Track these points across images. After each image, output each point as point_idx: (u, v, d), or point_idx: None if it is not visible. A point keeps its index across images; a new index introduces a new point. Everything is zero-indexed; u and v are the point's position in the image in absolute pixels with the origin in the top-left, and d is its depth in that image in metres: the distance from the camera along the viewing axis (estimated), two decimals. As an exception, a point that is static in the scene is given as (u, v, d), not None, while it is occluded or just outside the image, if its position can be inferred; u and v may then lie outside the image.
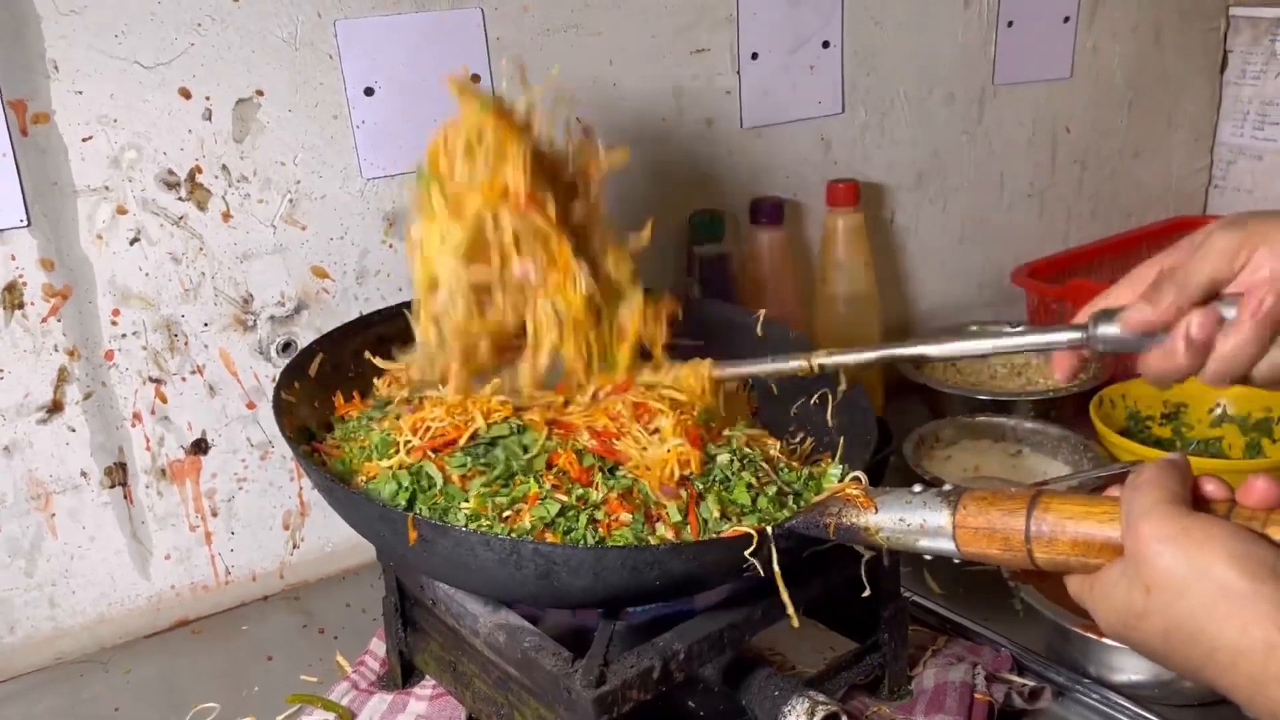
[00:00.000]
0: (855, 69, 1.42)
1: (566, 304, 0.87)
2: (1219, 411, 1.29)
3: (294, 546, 1.17)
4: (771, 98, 1.36)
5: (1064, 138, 1.66)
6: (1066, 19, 1.60)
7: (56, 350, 1.00)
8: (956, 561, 0.67)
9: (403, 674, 0.96)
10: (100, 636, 1.08)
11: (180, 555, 1.11)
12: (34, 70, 0.94)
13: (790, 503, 0.80)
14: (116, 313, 1.02)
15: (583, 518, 0.74)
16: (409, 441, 0.81)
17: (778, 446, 0.89)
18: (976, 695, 0.89)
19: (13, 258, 0.96)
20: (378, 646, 1.01)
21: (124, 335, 1.03)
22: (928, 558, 0.69)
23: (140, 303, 1.03)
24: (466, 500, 0.77)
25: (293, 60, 1.05)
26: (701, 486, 0.78)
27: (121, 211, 1.00)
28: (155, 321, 1.04)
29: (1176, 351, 0.66)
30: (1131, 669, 0.89)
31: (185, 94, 1.01)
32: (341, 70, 1.08)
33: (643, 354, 0.94)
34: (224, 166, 1.04)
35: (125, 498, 1.07)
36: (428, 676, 0.95)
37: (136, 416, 1.05)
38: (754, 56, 1.33)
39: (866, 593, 0.80)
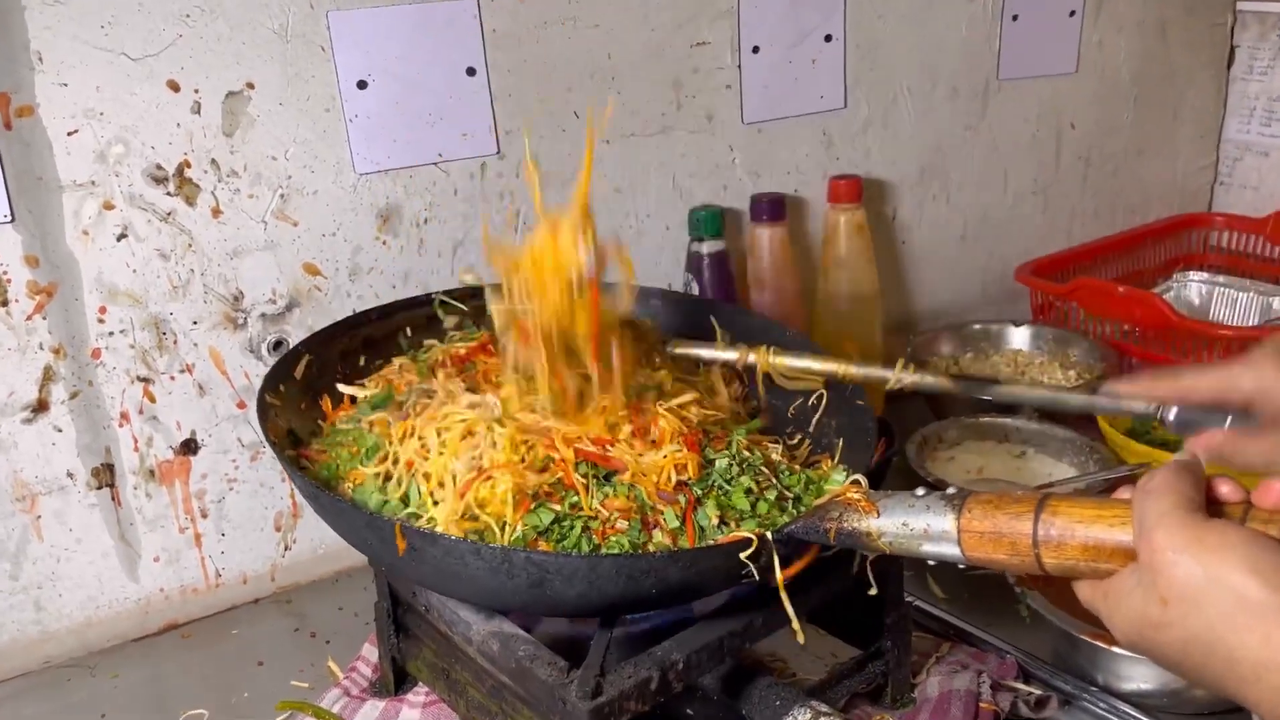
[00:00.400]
0: (858, 63, 1.39)
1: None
2: (1227, 412, 1.26)
3: (285, 548, 1.15)
4: (773, 92, 1.33)
5: (1068, 134, 1.64)
6: (1072, 13, 1.58)
7: (42, 349, 0.98)
8: (961, 566, 0.66)
9: (395, 681, 0.94)
10: (87, 640, 1.06)
11: (169, 557, 1.09)
12: (17, 62, 0.92)
13: (790, 507, 0.78)
14: (103, 310, 1.00)
15: (576, 525, 0.72)
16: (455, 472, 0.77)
17: (779, 450, 0.87)
18: (982, 704, 0.87)
19: (-4, 254, 0.94)
20: (370, 652, 0.99)
21: (111, 333, 1.01)
22: (931, 562, 0.67)
23: (128, 300, 1.01)
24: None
25: (284, 52, 1.03)
26: (700, 492, 0.76)
27: (108, 207, 0.98)
28: (143, 319, 1.02)
29: None
30: (1140, 677, 0.87)
31: (174, 86, 0.99)
32: (334, 62, 1.05)
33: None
34: (213, 161, 1.02)
35: (113, 499, 1.05)
36: (420, 683, 0.93)
37: (124, 416, 1.03)
38: (755, 50, 1.31)
39: (873, 590, 0.78)
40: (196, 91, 1.00)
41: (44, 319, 0.98)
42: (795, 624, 0.72)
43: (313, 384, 0.92)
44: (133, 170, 0.98)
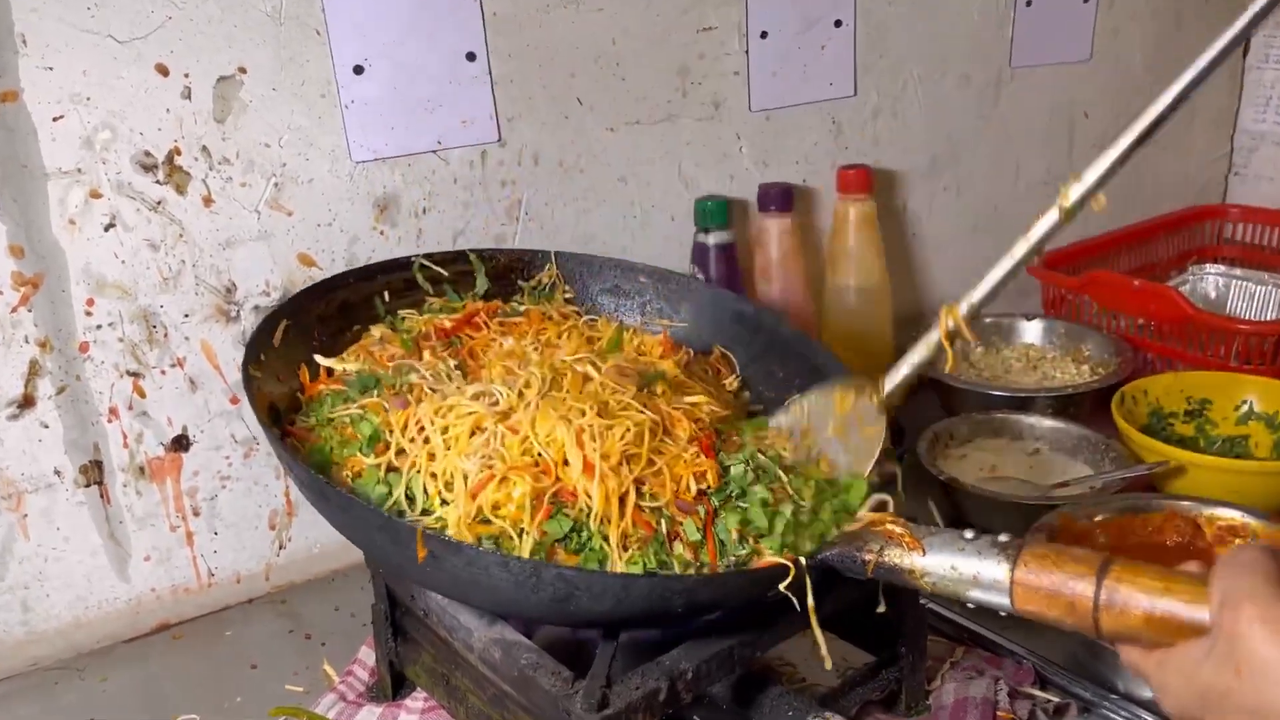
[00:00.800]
0: (868, 49, 1.36)
1: None
2: (1245, 408, 1.23)
3: (280, 547, 1.12)
4: (781, 79, 1.30)
5: (1082, 123, 1.61)
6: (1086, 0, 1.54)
7: (27, 342, 0.95)
8: (1002, 615, 0.63)
9: (393, 685, 0.91)
10: (76, 642, 1.03)
11: (160, 556, 1.06)
12: (1, 45, 0.88)
13: (806, 520, 0.75)
14: (91, 303, 0.97)
15: (596, 535, 0.69)
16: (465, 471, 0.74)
17: (789, 446, 0.84)
18: (999, 713, 0.84)
19: (-21, 244, 0.91)
20: (367, 655, 0.96)
21: (99, 326, 0.98)
22: (970, 606, 0.65)
23: (116, 292, 0.98)
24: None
25: (277, 35, 0.99)
26: (718, 502, 0.73)
27: (95, 195, 0.95)
28: (132, 312, 0.99)
29: None
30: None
31: (163, 71, 0.95)
32: (329, 46, 1.02)
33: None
34: (204, 148, 0.99)
35: (102, 497, 1.02)
36: (419, 689, 0.90)
37: (113, 412, 1.00)
38: (763, 35, 1.27)
39: (882, 608, 0.76)
40: (186, 76, 0.96)
41: (29, 311, 0.94)
42: (824, 650, 0.70)
43: (291, 351, 0.88)
44: (120, 157, 0.95)
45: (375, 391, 0.82)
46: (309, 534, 1.12)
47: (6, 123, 0.90)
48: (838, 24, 1.32)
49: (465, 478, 0.73)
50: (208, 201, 1.00)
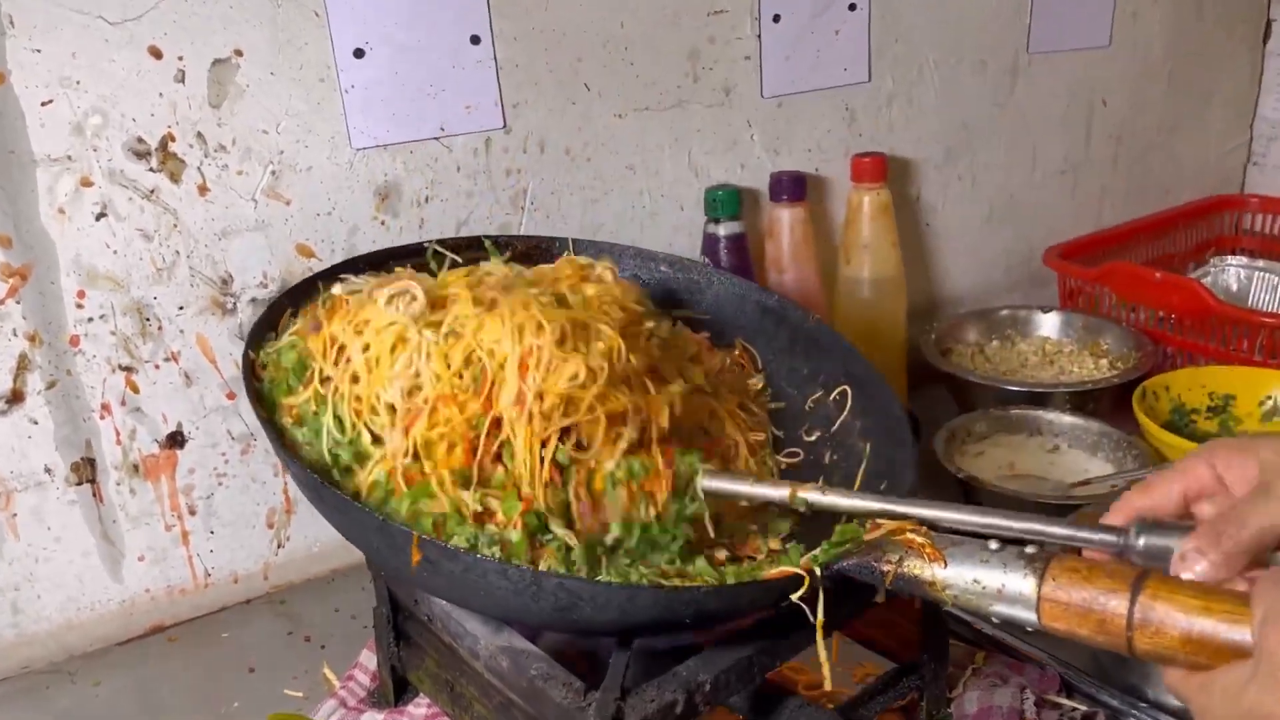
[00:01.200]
0: (883, 34, 1.32)
1: None
2: (1270, 404, 1.20)
3: (279, 546, 1.09)
4: (794, 64, 1.26)
5: (1100, 110, 1.57)
6: (1105, -17, 1.50)
7: (16, 335, 0.92)
8: (1029, 630, 0.60)
9: (395, 690, 0.88)
10: (68, 644, 1.00)
11: (155, 556, 1.03)
12: (-14, 25, 0.85)
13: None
14: (82, 294, 0.93)
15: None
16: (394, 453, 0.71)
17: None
18: (1025, 722, 0.81)
19: (-35, 234, 0.88)
20: (368, 659, 0.93)
21: (90, 319, 0.94)
22: (994, 621, 0.62)
23: (108, 283, 0.94)
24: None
25: (274, 17, 0.96)
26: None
27: (86, 183, 0.91)
28: (125, 304, 0.95)
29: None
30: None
31: (155, 53, 0.92)
32: (329, 29, 0.98)
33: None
34: (199, 134, 0.95)
35: (94, 495, 0.98)
36: (422, 694, 0.87)
37: (105, 408, 0.97)
38: (776, 19, 1.23)
39: (880, 598, 0.71)
40: (180, 59, 0.93)
41: (18, 303, 0.91)
42: (826, 670, 0.66)
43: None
44: (112, 144, 0.92)
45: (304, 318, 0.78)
46: (308, 532, 1.09)
47: (-8, 107, 0.87)
48: (852, 8, 1.29)
49: (393, 410, 0.68)
50: (203, 190, 0.96)
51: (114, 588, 1.01)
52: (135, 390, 0.98)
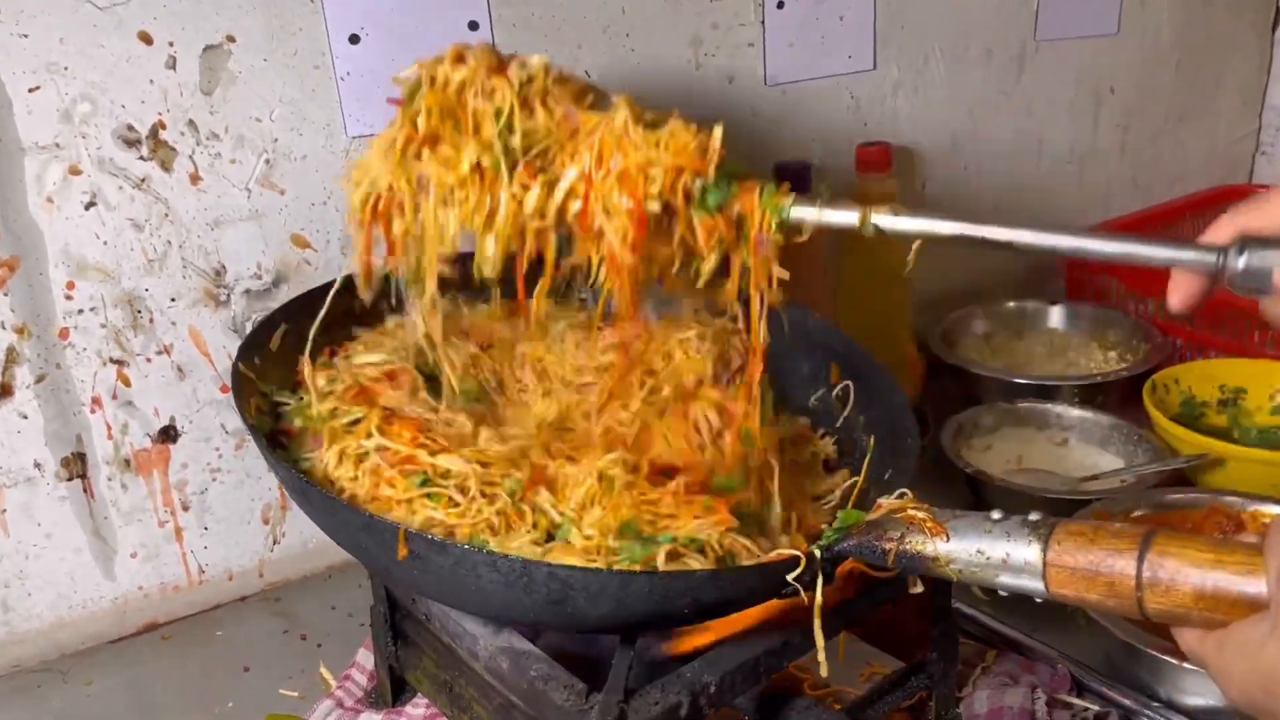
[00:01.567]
0: (889, 20, 1.30)
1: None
2: (1281, 398, 1.18)
3: (274, 542, 1.07)
4: (798, 51, 1.24)
5: (1107, 99, 1.55)
6: (1113, -30, 1.48)
7: (4, 328, 0.90)
8: (1038, 600, 0.58)
9: (393, 690, 0.87)
10: (59, 642, 0.98)
11: (148, 553, 1.01)
12: (-30, 10, 0.83)
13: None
14: (71, 286, 0.91)
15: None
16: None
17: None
18: (1037, 723, 0.79)
19: (-49, 224, 0.86)
20: (365, 658, 0.91)
21: (80, 311, 0.92)
22: (1003, 593, 0.60)
23: (98, 275, 0.92)
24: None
25: (268, 3, 0.94)
26: None
27: (75, 172, 0.89)
28: (116, 296, 0.93)
29: None
30: (1208, 692, 0.80)
31: (146, 39, 0.89)
32: (323, 14, 0.96)
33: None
34: (191, 122, 0.93)
35: (85, 491, 0.96)
36: (420, 694, 0.85)
37: (96, 401, 0.95)
38: (780, 5, 1.21)
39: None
40: (171, 45, 0.91)
41: (5, 295, 0.89)
42: (822, 656, 0.64)
43: (289, 356, 0.83)
44: (101, 131, 0.90)
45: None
46: (303, 529, 1.08)
47: (-22, 94, 0.84)
48: (857, -6, 1.26)
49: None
50: (195, 179, 0.94)
51: (106, 585, 1.00)
52: (126, 384, 0.96)
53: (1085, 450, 1.15)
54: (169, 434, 0.99)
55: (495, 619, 0.70)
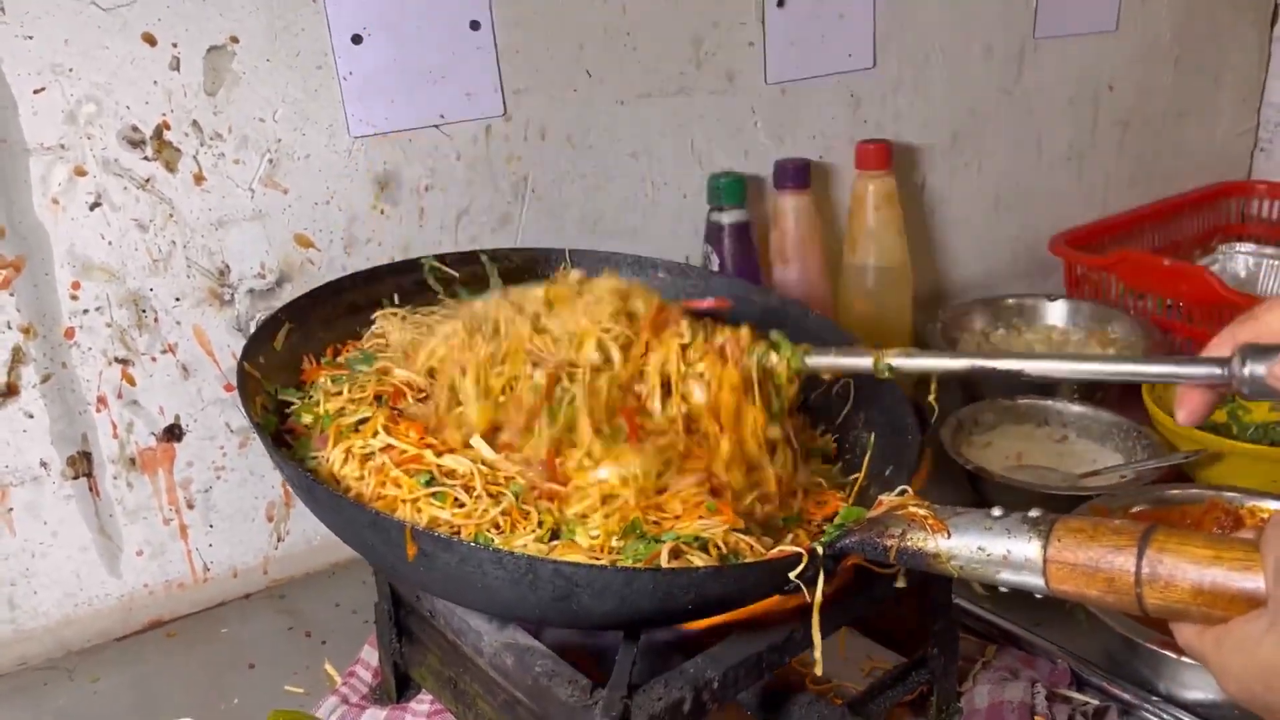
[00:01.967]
0: (888, 19, 1.31)
1: None
2: (1280, 394, 1.19)
3: (278, 540, 1.08)
4: (799, 49, 1.25)
5: (1106, 96, 1.56)
6: (1112, -33, 1.49)
7: (10, 328, 0.90)
8: (1039, 596, 0.58)
9: (397, 687, 0.87)
10: (65, 640, 0.99)
11: (153, 551, 1.01)
12: (-24, 12, 0.83)
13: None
14: (76, 286, 0.92)
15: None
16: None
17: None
18: (1037, 717, 0.80)
19: (-43, 224, 0.86)
20: (370, 655, 0.92)
21: (86, 311, 0.93)
22: (1004, 590, 0.60)
23: (103, 275, 0.93)
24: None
25: (271, 3, 0.94)
26: None
27: (80, 173, 0.90)
28: (121, 295, 0.94)
29: None
30: (1208, 686, 0.80)
31: (150, 40, 0.90)
32: (326, 14, 0.97)
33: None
34: (195, 123, 0.93)
35: (91, 489, 0.97)
36: (425, 690, 0.86)
37: (101, 401, 0.95)
38: (780, 4, 1.22)
39: (901, 583, 0.70)
40: (175, 46, 0.91)
41: (11, 295, 0.90)
42: (818, 654, 0.65)
43: (294, 354, 0.84)
44: (106, 132, 0.90)
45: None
46: (307, 526, 1.08)
47: (-17, 95, 0.85)
48: (857, -8, 1.27)
49: None
50: (199, 179, 0.95)
51: (112, 583, 1.00)
52: (132, 383, 0.96)
53: (1085, 446, 1.15)
54: (174, 433, 1.00)
55: (501, 616, 0.71)
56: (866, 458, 0.84)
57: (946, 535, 0.61)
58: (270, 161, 0.98)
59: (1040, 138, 1.52)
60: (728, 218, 1.18)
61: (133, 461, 0.98)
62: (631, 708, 0.62)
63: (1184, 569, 0.53)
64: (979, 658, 0.89)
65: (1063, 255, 1.46)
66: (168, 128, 0.92)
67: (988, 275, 1.52)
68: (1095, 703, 0.83)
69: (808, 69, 1.26)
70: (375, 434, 0.73)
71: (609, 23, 1.12)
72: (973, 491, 1.08)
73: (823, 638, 0.71)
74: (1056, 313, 1.41)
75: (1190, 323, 1.33)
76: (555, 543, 0.67)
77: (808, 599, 0.64)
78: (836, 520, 0.71)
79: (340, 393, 0.78)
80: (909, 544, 0.62)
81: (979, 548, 0.60)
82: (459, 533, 0.68)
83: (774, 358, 0.77)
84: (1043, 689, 0.82)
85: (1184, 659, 0.79)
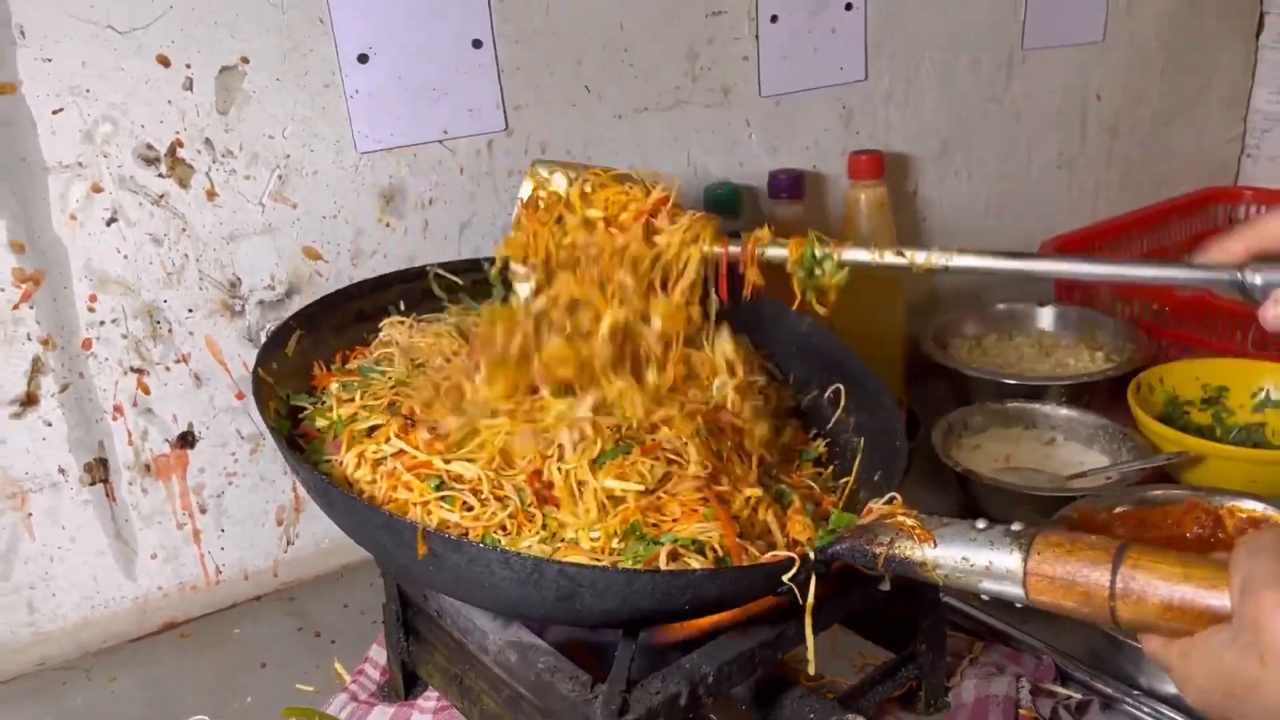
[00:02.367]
0: (879, 32, 1.34)
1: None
2: (1262, 396, 1.22)
3: (288, 543, 1.11)
4: (791, 63, 1.28)
5: (1094, 105, 1.59)
6: (1099, -21, 1.52)
7: (30, 339, 0.93)
8: (1018, 606, 0.62)
9: (405, 685, 0.90)
10: (83, 641, 1.02)
11: (167, 554, 1.04)
12: (-2, 36, 0.86)
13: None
14: (94, 299, 0.95)
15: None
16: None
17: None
18: (1021, 710, 0.83)
19: (-21, 240, 0.89)
20: (378, 654, 0.95)
21: (102, 323, 0.96)
22: (985, 598, 0.64)
23: (119, 288, 0.96)
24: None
25: (280, 24, 0.97)
26: None
27: (96, 189, 0.93)
28: (136, 308, 0.97)
29: None
30: (1186, 682, 0.83)
31: (164, 62, 0.93)
32: (334, 35, 1.00)
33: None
34: (207, 140, 0.97)
35: (107, 495, 1.00)
36: (431, 687, 0.89)
37: (118, 409, 0.98)
38: (773, 19, 1.25)
39: (885, 586, 0.74)
40: (188, 67, 0.94)
41: (31, 308, 0.93)
42: (810, 653, 0.68)
43: (305, 360, 0.88)
44: (122, 150, 0.93)
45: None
46: (316, 530, 1.11)
47: (5, 116, 0.88)
48: (849, 7, 1.30)
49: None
50: (211, 195, 0.98)
51: (127, 585, 1.03)
52: (146, 392, 1.00)
53: (1072, 449, 1.18)
54: (187, 440, 1.03)
55: (506, 614, 0.74)
56: (856, 463, 0.88)
57: (933, 545, 0.64)
58: (280, 177, 1.01)
59: (1029, 146, 1.55)
60: (724, 228, 1.21)
61: (147, 468, 1.01)
62: (630, 701, 0.66)
63: (1155, 585, 0.57)
64: (966, 654, 0.91)
65: (1052, 261, 1.49)
66: (181, 145, 0.96)
67: (978, 282, 1.55)
68: (1078, 697, 0.86)
69: (801, 82, 1.30)
70: (388, 440, 0.77)
71: (607, 39, 1.15)
72: (962, 493, 1.11)
73: (815, 634, 0.74)
74: (1046, 318, 1.44)
75: (1175, 327, 1.36)
76: (560, 544, 0.71)
77: (800, 601, 0.67)
78: (829, 526, 0.74)
79: (353, 399, 0.81)
80: (897, 552, 0.65)
81: (963, 558, 0.63)
82: (467, 534, 0.71)
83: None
84: (1027, 683, 0.85)
85: (1162, 653, 0.82)
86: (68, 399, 0.96)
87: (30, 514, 0.97)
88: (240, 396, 1.04)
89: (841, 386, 0.93)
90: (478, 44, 1.07)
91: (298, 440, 0.81)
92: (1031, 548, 0.61)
